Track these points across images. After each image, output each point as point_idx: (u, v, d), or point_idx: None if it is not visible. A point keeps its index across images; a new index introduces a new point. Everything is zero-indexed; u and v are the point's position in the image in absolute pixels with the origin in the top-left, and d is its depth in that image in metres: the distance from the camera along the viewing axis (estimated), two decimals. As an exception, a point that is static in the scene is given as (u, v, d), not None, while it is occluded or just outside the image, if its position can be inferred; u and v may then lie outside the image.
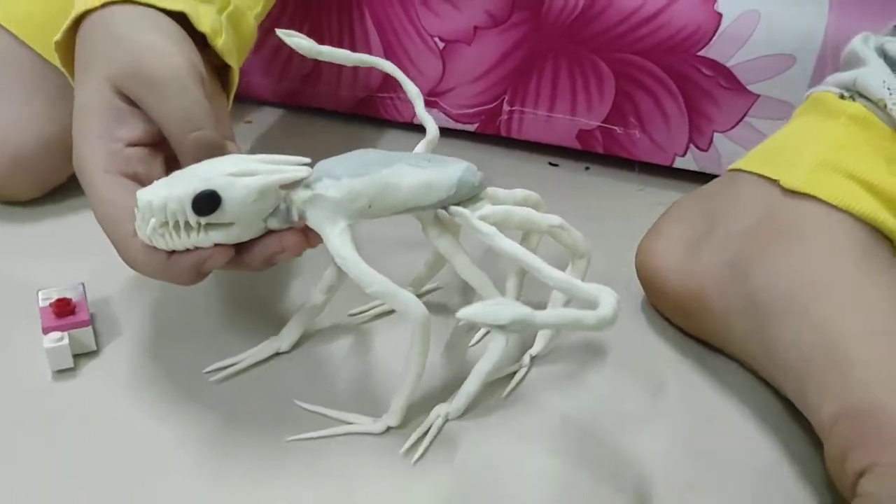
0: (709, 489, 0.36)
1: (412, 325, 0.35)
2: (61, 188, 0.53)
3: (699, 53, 0.54)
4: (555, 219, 0.39)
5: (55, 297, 0.41)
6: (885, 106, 0.40)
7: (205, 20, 0.41)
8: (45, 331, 0.40)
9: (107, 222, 0.35)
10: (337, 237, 0.34)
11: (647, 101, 0.57)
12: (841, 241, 0.38)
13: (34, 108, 0.50)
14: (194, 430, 0.38)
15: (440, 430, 0.38)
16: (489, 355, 0.39)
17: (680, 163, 0.58)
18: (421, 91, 0.61)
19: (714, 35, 0.53)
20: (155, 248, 0.34)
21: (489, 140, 0.61)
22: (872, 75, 0.41)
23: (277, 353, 0.42)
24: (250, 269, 0.36)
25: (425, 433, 0.38)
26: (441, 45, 0.59)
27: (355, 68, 0.61)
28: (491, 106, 0.60)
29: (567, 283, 0.32)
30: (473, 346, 0.44)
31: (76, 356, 0.40)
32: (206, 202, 0.32)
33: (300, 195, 0.34)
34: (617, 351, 0.44)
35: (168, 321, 0.44)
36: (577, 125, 0.59)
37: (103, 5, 0.39)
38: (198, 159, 0.37)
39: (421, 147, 0.41)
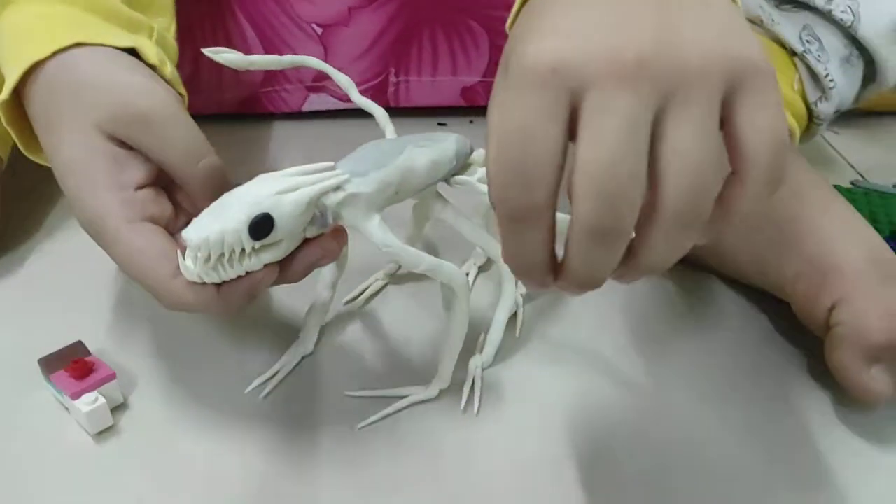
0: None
1: (455, 292, 0.39)
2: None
3: None
4: None
5: (59, 360, 0.39)
6: (761, 22, 0.48)
7: (150, 52, 0.40)
8: (75, 396, 0.38)
9: (141, 271, 0.35)
10: (378, 229, 0.36)
11: (518, 50, 0.62)
12: None
13: None
14: (259, 450, 0.38)
15: (482, 380, 0.42)
16: (504, 303, 0.43)
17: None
18: (307, 78, 0.62)
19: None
20: (203, 283, 0.34)
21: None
22: (747, 1, 0.48)
23: (304, 357, 0.43)
24: (291, 282, 0.37)
25: (472, 387, 0.42)
26: (319, 30, 0.60)
27: (234, 70, 0.61)
28: (378, 80, 0.62)
29: (565, 221, 0.37)
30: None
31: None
32: (263, 225, 0.33)
33: (333, 198, 0.36)
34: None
35: (175, 356, 0.43)
36: (460, 83, 0.63)
37: (54, 54, 0.37)
38: (209, 187, 0.37)
39: (390, 132, 0.44)
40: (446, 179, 0.40)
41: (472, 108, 0.65)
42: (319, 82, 0.62)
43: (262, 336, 0.45)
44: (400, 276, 0.49)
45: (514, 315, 0.46)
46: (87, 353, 0.40)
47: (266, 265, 0.35)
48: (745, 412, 0.41)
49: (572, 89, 0.25)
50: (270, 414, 0.40)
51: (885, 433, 0.40)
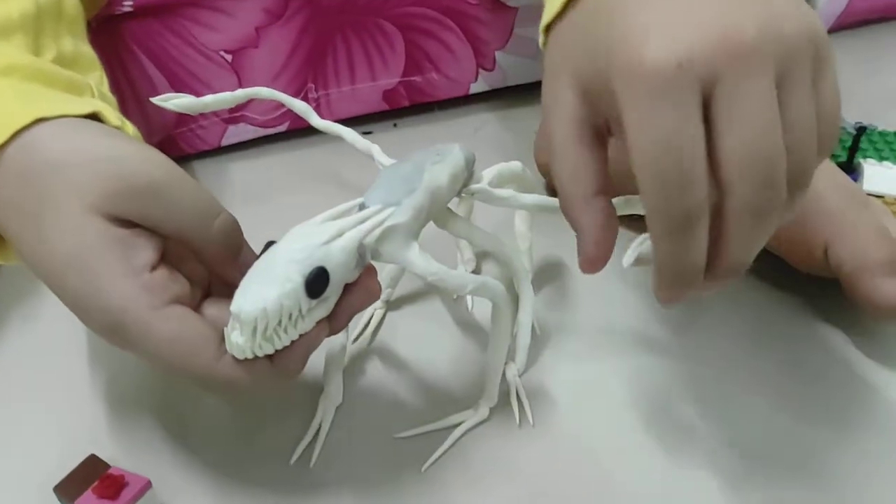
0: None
1: (499, 307, 0.37)
2: None
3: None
4: (517, 163, 0.43)
5: (79, 482, 0.34)
6: None
7: (109, 114, 0.36)
8: (116, 519, 0.33)
9: (182, 360, 0.31)
10: (419, 258, 0.34)
11: (432, 44, 0.60)
12: None
13: None
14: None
15: (523, 388, 0.41)
16: (524, 305, 0.42)
17: (474, 88, 0.64)
18: (223, 111, 0.58)
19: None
20: (254, 358, 0.31)
21: (302, 134, 0.60)
22: None
23: (336, 408, 0.40)
24: (335, 333, 0.34)
25: (518, 398, 0.41)
26: (228, 57, 0.56)
27: (145, 115, 0.55)
28: (298, 98, 0.59)
29: None
30: (471, 310, 0.46)
31: (155, 524, 0.35)
32: (319, 281, 0.30)
33: (371, 235, 0.33)
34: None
35: (199, 445, 0.39)
36: (380, 88, 0.61)
37: (13, 136, 0.32)
38: (230, 247, 0.34)
39: (378, 154, 0.41)
40: (458, 192, 0.39)
41: (395, 110, 0.63)
42: (235, 112, 0.58)
43: (280, 401, 0.41)
44: (397, 302, 0.47)
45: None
46: (106, 465, 0.35)
47: (317, 322, 0.32)
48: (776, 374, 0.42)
49: (701, 80, 0.24)
50: (325, 479, 0.37)
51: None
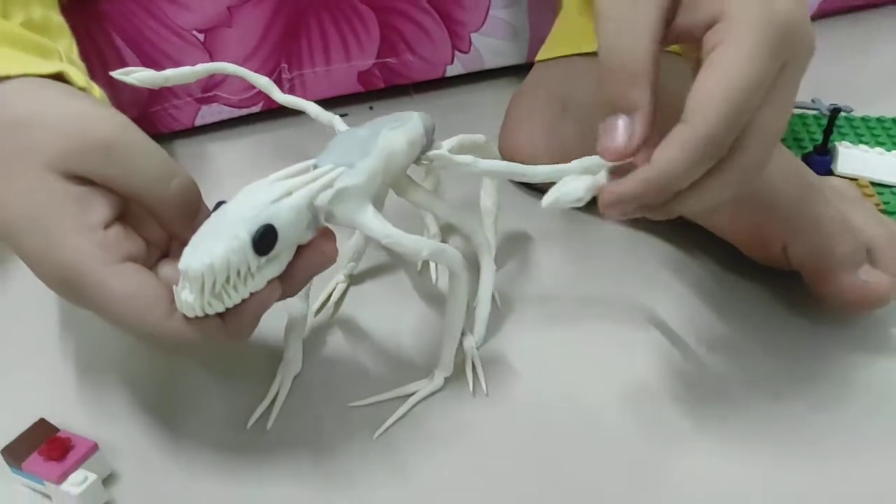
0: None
1: (455, 275, 0.37)
2: None
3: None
4: (480, 136, 0.43)
5: (27, 445, 0.34)
6: None
7: (75, 76, 0.36)
8: (60, 480, 0.33)
9: (134, 316, 0.31)
10: (373, 221, 0.34)
11: (408, 25, 0.61)
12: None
13: None
14: (279, 484, 0.36)
15: (480, 359, 0.41)
16: (486, 278, 0.42)
17: (450, 71, 0.64)
18: (195, 90, 0.58)
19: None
20: (204, 316, 0.31)
21: (276, 114, 0.60)
22: None
23: (295, 376, 0.40)
24: (290, 296, 0.34)
25: (473, 369, 0.40)
26: (201, 36, 0.56)
27: (116, 93, 0.55)
28: (271, 79, 0.59)
29: (556, 170, 0.36)
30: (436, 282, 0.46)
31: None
32: (267, 238, 0.30)
33: (324, 197, 0.33)
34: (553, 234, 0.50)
35: (152, 410, 0.39)
36: (355, 69, 0.61)
37: None
38: (186, 208, 0.34)
39: (340, 124, 0.41)
40: (416, 159, 0.38)
41: (370, 92, 0.63)
42: (209, 92, 0.58)
43: (238, 366, 0.41)
44: (359, 275, 0.47)
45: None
46: (55, 429, 0.35)
47: (269, 282, 0.32)
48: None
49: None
50: (280, 444, 0.37)
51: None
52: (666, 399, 0.39)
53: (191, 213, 0.34)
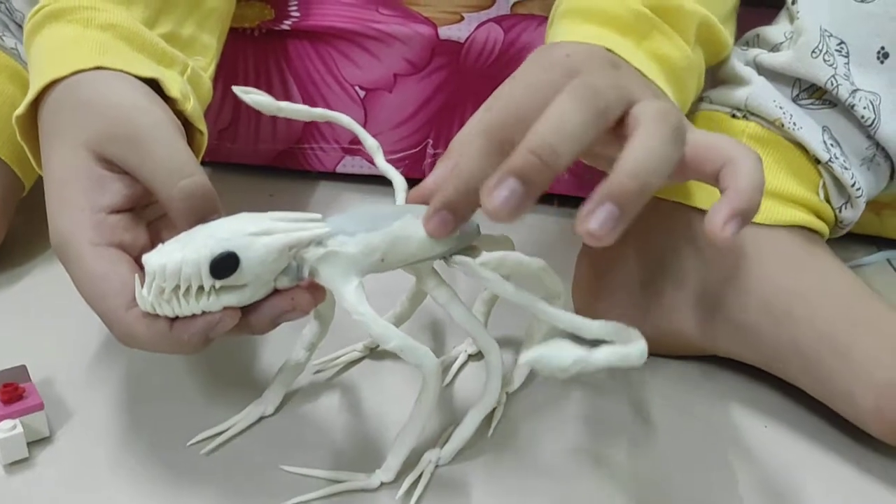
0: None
1: (424, 379, 0.35)
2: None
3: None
4: (539, 261, 0.39)
5: (-3, 382, 0.37)
6: (782, 125, 0.43)
7: (174, 85, 0.39)
8: (-7, 421, 0.36)
9: (98, 297, 0.33)
10: (352, 294, 0.33)
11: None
12: (787, 250, 0.42)
13: None
14: (178, 509, 0.35)
15: (432, 475, 0.38)
16: (486, 400, 0.38)
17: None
18: (344, 140, 0.61)
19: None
20: (156, 316, 0.32)
21: (414, 183, 0.62)
22: (762, 95, 0.44)
23: (262, 417, 0.40)
24: (255, 332, 0.34)
25: (417, 480, 0.37)
26: (362, 93, 0.59)
27: (274, 121, 0.60)
28: (415, 150, 0.61)
29: (577, 322, 0.33)
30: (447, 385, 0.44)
31: (29, 444, 0.37)
32: (226, 264, 0.31)
33: (313, 252, 0.33)
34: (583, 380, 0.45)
35: (123, 396, 0.41)
36: (500, 163, 0.60)
37: (72, 74, 0.37)
38: (191, 208, 0.35)
39: (400, 199, 0.41)
40: (445, 258, 0.37)
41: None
42: (356, 145, 0.60)
43: (225, 389, 0.42)
44: (382, 352, 0.45)
45: (492, 413, 0.42)
46: (27, 378, 0.38)
47: (226, 308, 0.32)
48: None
49: None
50: (204, 473, 0.37)
51: None
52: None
53: (196, 214, 0.35)
